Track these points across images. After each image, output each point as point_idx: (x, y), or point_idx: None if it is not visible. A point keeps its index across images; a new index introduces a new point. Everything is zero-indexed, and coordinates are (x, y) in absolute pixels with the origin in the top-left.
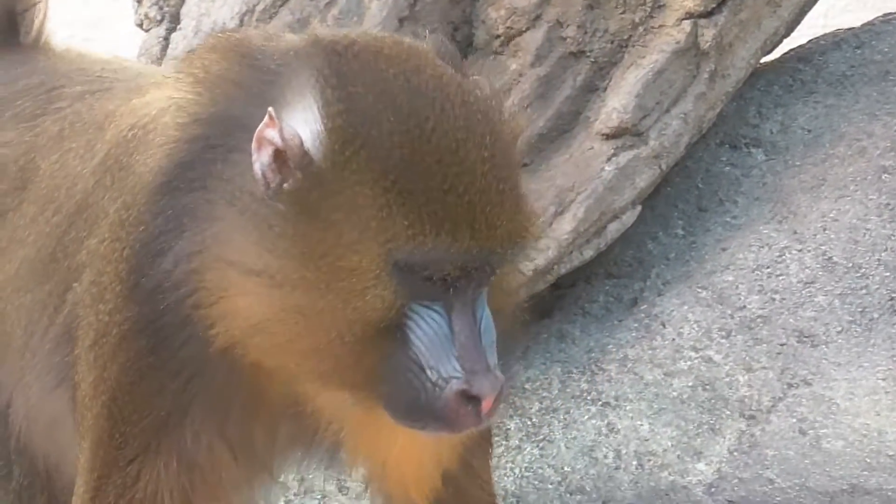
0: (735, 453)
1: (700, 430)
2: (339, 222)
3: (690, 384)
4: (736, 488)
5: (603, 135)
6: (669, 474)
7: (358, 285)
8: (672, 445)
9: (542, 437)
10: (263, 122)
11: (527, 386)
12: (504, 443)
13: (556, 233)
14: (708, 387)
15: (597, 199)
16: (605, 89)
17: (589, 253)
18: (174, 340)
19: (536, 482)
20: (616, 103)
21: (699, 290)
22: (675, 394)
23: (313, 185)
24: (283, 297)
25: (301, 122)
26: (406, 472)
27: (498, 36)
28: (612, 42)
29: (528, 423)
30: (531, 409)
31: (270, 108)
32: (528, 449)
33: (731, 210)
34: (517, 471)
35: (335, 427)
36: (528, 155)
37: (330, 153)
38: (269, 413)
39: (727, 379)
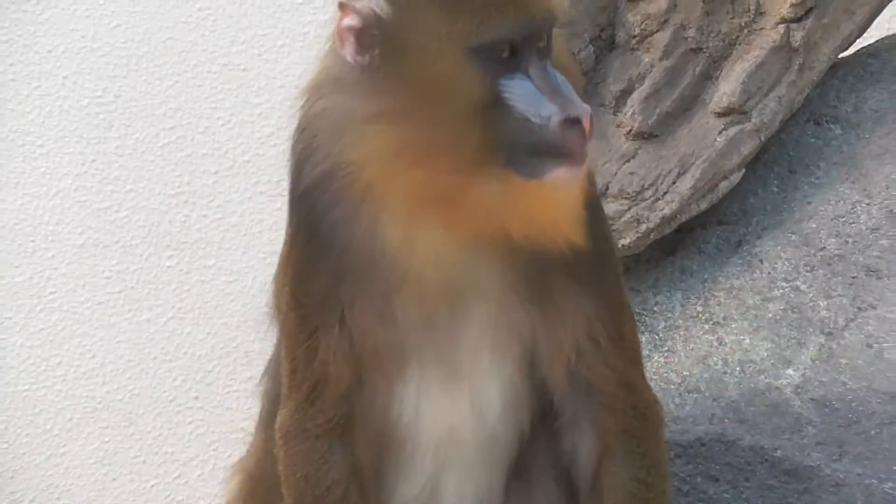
0: (816, 362)
1: (790, 344)
2: (421, 47)
3: (782, 307)
4: (817, 389)
5: (716, 113)
6: (765, 378)
7: (453, 82)
8: (767, 355)
9: (666, 348)
10: (337, 16)
11: (655, 308)
12: None
13: (678, 189)
14: (796, 310)
15: (711, 163)
16: (718, 78)
17: (704, 205)
18: (324, 228)
19: (662, 384)
20: (726, 88)
21: (790, 235)
22: (770, 315)
23: (392, 34)
24: (408, 124)
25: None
26: (549, 217)
27: (634, 36)
28: (723, 41)
29: (656, 337)
30: (658, 326)
31: (339, 1)
32: (655, 357)
33: (814, 172)
34: (647, 375)
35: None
36: (658, 128)
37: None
38: (405, 287)
39: (811, 304)
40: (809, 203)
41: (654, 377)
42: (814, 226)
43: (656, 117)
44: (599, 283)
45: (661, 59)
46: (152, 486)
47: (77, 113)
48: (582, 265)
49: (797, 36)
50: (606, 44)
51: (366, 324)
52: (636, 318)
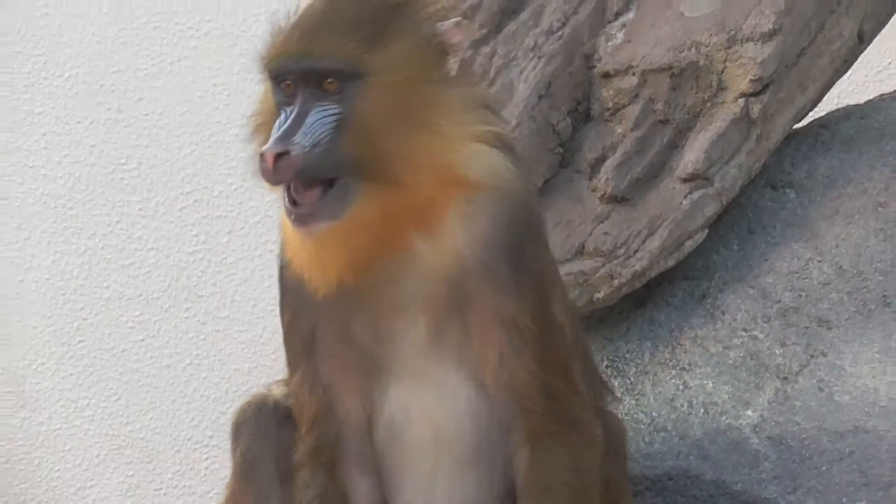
0: (773, 404)
1: (748, 387)
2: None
3: (741, 355)
4: (773, 428)
5: (682, 179)
6: (726, 418)
7: (265, 99)
8: (728, 398)
9: (636, 391)
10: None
11: (626, 355)
12: (609, 396)
13: (648, 247)
14: (754, 357)
15: (677, 224)
16: (684, 147)
17: (671, 262)
18: (292, 291)
19: (633, 423)
20: (691, 156)
21: (749, 289)
22: (730, 361)
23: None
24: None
25: None
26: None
27: (608, 109)
28: (688, 113)
29: (627, 381)
30: (629, 371)
31: None
32: (627, 400)
33: (771, 232)
34: (619, 416)
35: None
36: (629, 192)
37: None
38: (352, 309)
39: (767, 351)
40: (766, 260)
41: (626, 417)
42: (770, 280)
43: (628, 182)
44: (520, 294)
45: (632, 130)
46: None
47: (104, 178)
48: (501, 277)
49: (755, 109)
50: (582, 116)
51: (329, 349)
52: (610, 364)
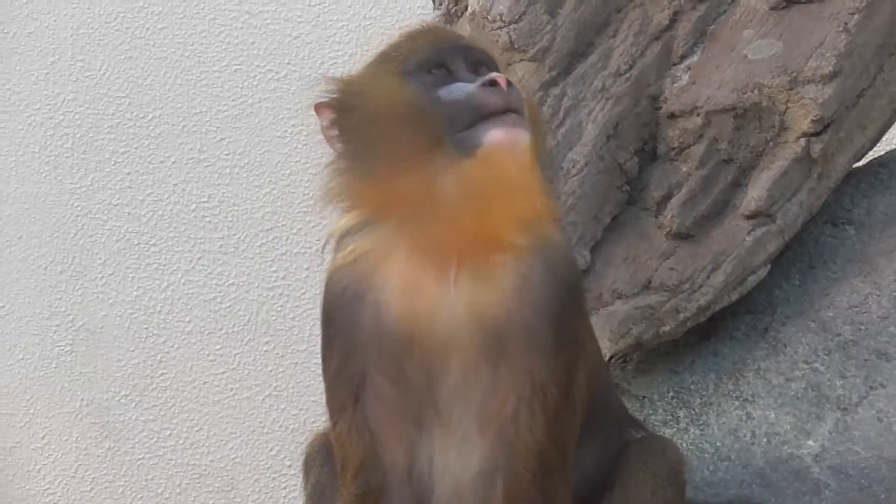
0: (833, 434)
1: (809, 418)
2: (367, 90)
3: (803, 386)
4: (834, 458)
5: (745, 216)
6: (788, 448)
7: (394, 98)
8: (790, 428)
9: (701, 422)
10: (319, 121)
11: (691, 387)
12: (675, 426)
13: (712, 282)
14: (815, 388)
15: (740, 260)
16: (747, 185)
17: (734, 296)
18: (336, 315)
19: (697, 453)
20: (754, 194)
21: (810, 322)
22: (792, 393)
23: (348, 103)
24: (371, 141)
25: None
26: (502, 187)
27: (673, 148)
28: (752, 153)
29: (692, 412)
30: (694, 402)
31: (315, 105)
32: (691, 430)
33: (831, 268)
34: (684, 446)
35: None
36: (694, 229)
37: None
38: (405, 349)
39: (828, 383)
40: (827, 294)
41: (691, 447)
42: (831, 314)
43: (692, 219)
44: (555, 359)
45: (696, 169)
46: None
47: (186, 216)
48: (541, 339)
49: (816, 148)
50: (649, 155)
51: (379, 393)
52: (675, 396)
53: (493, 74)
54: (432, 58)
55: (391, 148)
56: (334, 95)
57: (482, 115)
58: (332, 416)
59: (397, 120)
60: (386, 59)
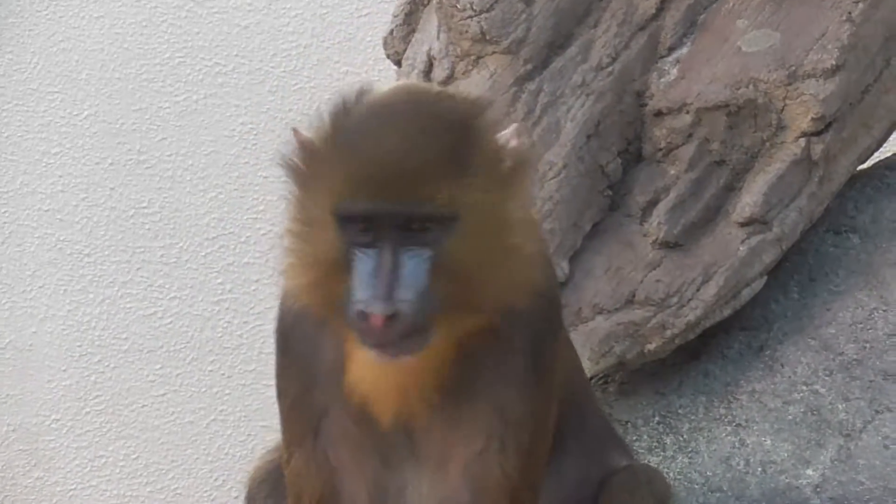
0: (835, 462)
1: (809, 445)
2: (312, 191)
3: (802, 410)
4: (836, 488)
5: (738, 223)
6: (786, 477)
7: (320, 232)
8: (788, 456)
9: (690, 449)
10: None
11: (679, 411)
12: (662, 454)
13: (702, 296)
14: (815, 412)
15: (734, 271)
16: (741, 189)
17: (727, 311)
18: (294, 343)
19: (686, 483)
20: (749, 199)
21: (810, 340)
22: (790, 417)
23: (306, 169)
24: (291, 245)
25: (309, 133)
26: (381, 395)
27: (660, 149)
28: (746, 154)
29: (680, 439)
30: (682, 428)
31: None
32: (679, 458)
33: (833, 280)
34: (671, 475)
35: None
36: (683, 238)
37: (312, 154)
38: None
39: (830, 407)
40: (829, 310)
41: (679, 477)
42: (833, 331)
43: (681, 227)
44: (527, 392)
45: (686, 171)
46: None
47: (124, 223)
48: (513, 373)
49: (817, 149)
50: (633, 156)
51: (343, 430)
52: (662, 420)
53: (374, 310)
54: (358, 212)
55: (307, 268)
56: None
57: (356, 331)
58: (289, 447)
59: (318, 256)
60: (327, 175)
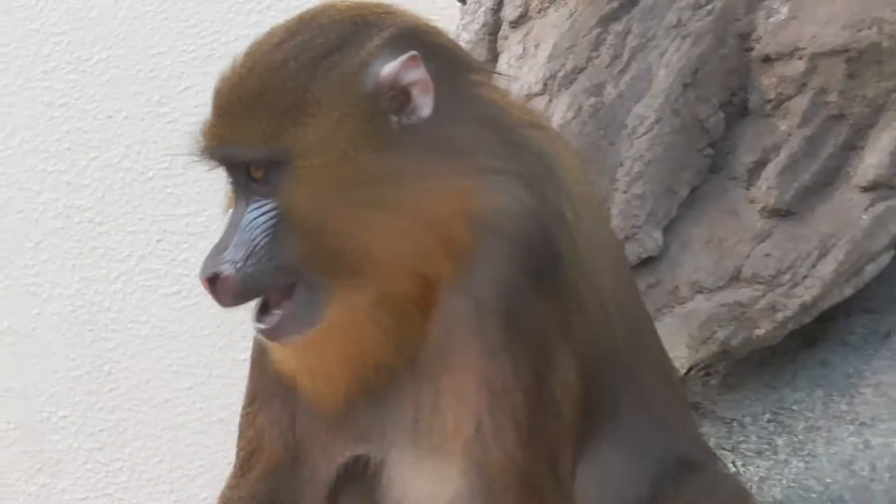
0: None
1: None
2: None
3: None
4: None
5: (861, 187)
6: None
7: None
8: None
9: (806, 452)
10: None
11: (793, 407)
12: (773, 457)
13: (819, 272)
14: None
15: (855, 243)
16: (863, 148)
17: (848, 290)
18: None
19: (801, 492)
20: (873, 160)
21: None
22: None
23: None
24: None
25: None
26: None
27: (769, 100)
28: (869, 107)
29: (795, 440)
30: (797, 427)
31: None
32: (794, 462)
33: None
34: (784, 482)
35: None
36: (796, 204)
37: None
38: None
39: None
40: None
41: (793, 485)
42: None
43: (794, 192)
44: (513, 358)
45: (798, 127)
46: None
47: (141, 186)
48: (491, 337)
49: None
50: (738, 109)
51: (307, 401)
52: (773, 419)
53: (199, 274)
54: (203, 158)
55: None
56: None
57: None
58: (253, 402)
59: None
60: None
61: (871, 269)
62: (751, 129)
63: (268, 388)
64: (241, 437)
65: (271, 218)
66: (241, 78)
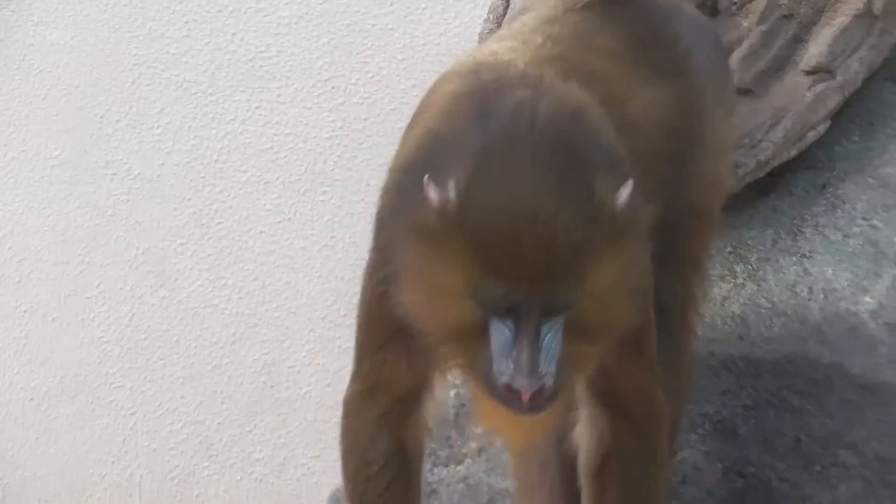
0: (890, 290)
1: (867, 275)
2: (447, 258)
3: (861, 243)
4: (890, 314)
5: (805, 72)
6: (845, 304)
7: (454, 301)
8: (847, 284)
9: (758, 277)
10: (426, 181)
11: (749, 242)
12: (733, 281)
13: (772, 138)
14: (873, 245)
15: (800, 115)
16: (808, 41)
17: (794, 152)
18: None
19: (754, 308)
20: (815, 50)
21: (869, 179)
22: (850, 249)
23: (440, 231)
24: (421, 301)
25: (444, 194)
26: (511, 432)
27: (735, 3)
28: (813, 8)
29: (749, 268)
30: (751, 258)
31: (426, 177)
32: (749, 285)
33: (891, 124)
34: (741, 300)
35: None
36: (755, 85)
37: (448, 220)
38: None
39: (886, 240)
40: (886, 151)
41: (748, 303)
42: (891, 171)
43: (753, 75)
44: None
45: (758, 24)
46: (305, 392)
47: (244, 65)
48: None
49: (878, 4)
50: (710, 11)
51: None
52: (733, 251)
53: (523, 387)
54: (500, 302)
55: (435, 325)
56: (443, 205)
57: (500, 401)
58: (378, 340)
59: (450, 320)
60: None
61: (811, 136)
62: (720, 26)
63: (396, 337)
64: (366, 363)
65: (560, 333)
66: (551, 236)
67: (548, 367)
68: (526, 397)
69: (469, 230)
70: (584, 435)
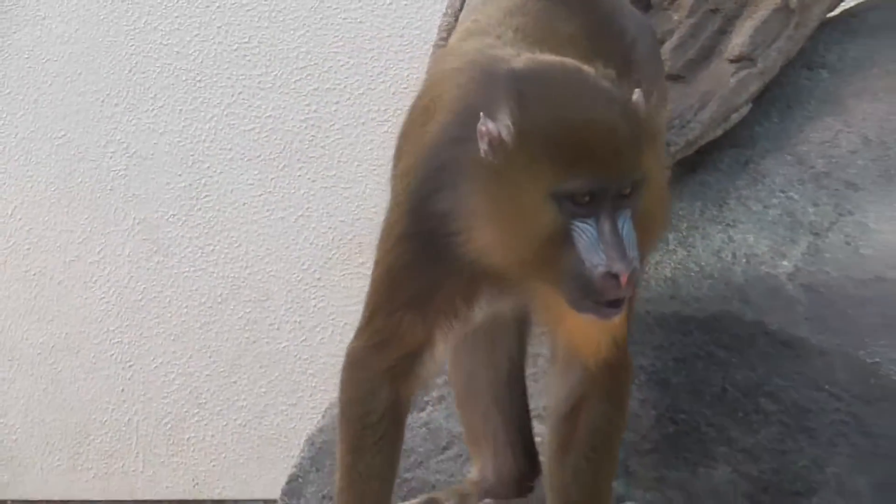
0: (806, 255)
1: (785, 241)
2: (514, 178)
3: (779, 213)
4: (806, 277)
5: (729, 60)
6: (765, 267)
7: (534, 214)
8: (768, 249)
9: (688, 244)
10: (480, 121)
11: (680, 213)
12: (665, 247)
13: (699, 119)
14: (790, 215)
15: (724, 99)
16: (731, 32)
17: (719, 132)
18: (431, 250)
19: (684, 272)
20: (738, 40)
21: (786, 156)
22: (769, 218)
23: (506, 157)
24: (498, 227)
25: (501, 123)
26: (579, 339)
27: None
28: (736, 3)
29: (680, 235)
30: (682, 226)
31: (482, 113)
32: (679, 251)
33: (806, 108)
34: (672, 264)
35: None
36: (684, 72)
37: (513, 142)
38: (484, 293)
39: (801, 210)
40: (802, 131)
41: (679, 266)
42: (805, 149)
43: (683, 63)
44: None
45: (687, 17)
46: (283, 347)
47: (229, 55)
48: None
49: (794, 0)
50: (644, 6)
51: (449, 306)
52: None
53: (622, 269)
54: (583, 191)
55: (514, 245)
56: (502, 133)
57: (592, 296)
58: (393, 299)
59: (528, 236)
60: (543, 158)
61: (735, 117)
62: (654, 20)
63: (412, 298)
64: (378, 319)
65: (631, 223)
66: (618, 123)
67: (634, 252)
68: (624, 279)
69: (542, 139)
70: (556, 383)
